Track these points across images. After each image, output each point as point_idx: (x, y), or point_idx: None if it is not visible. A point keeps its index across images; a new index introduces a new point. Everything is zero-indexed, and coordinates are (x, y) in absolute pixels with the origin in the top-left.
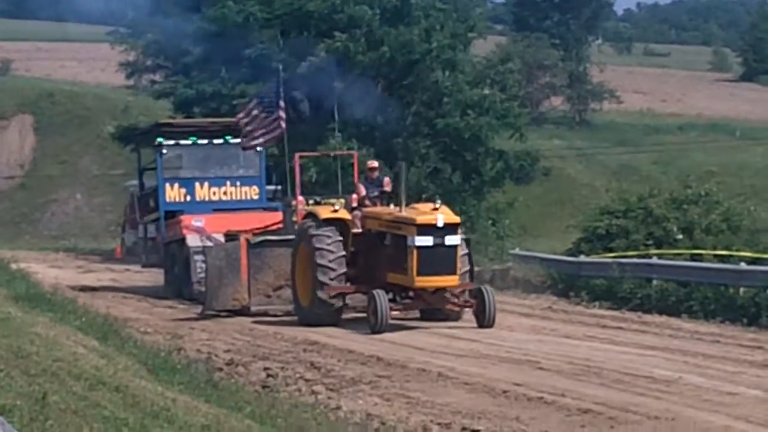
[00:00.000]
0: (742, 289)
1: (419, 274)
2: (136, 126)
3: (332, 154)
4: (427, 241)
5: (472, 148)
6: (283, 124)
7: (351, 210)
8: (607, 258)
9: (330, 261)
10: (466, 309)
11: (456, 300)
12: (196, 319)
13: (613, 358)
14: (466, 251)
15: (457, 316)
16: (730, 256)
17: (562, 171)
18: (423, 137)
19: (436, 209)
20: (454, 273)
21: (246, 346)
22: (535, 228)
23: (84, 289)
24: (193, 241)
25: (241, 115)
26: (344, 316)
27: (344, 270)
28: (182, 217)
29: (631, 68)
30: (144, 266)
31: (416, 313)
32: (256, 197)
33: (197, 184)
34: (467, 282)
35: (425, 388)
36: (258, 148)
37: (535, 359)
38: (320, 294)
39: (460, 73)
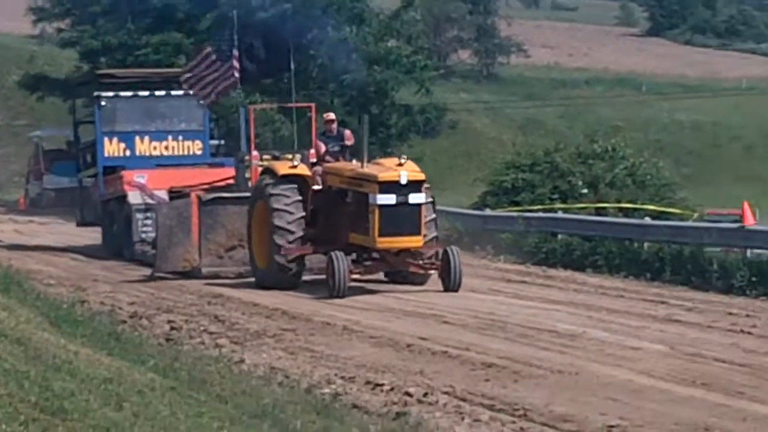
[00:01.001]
0: (646, 244)
1: (381, 234)
2: (44, 75)
3: (290, 105)
4: (389, 199)
5: (378, 102)
6: (237, 74)
7: (311, 166)
8: (512, 212)
9: (288, 223)
10: (432, 272)
11: (420, 262)
12: (100, 272)
13: (518, 312)
14: (433, 214)
15: (422, 280)
16: (635, 210)
17: (469, 124)
18: (330, 91)
19: (401, 165)
20: (418, 233)
21: (150, 298)
22: (442, 182)
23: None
24: (134, 198)
25: (189, 67)
26: (304, 278)
27: (302, 233)
28: (123, 173)
29: (539, 22)
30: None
31: (381, 276)
32: (199, 152)
33: (137, 138)
34: (433, 243)
35: (330, 342)
36: (202, 101)
37: (441, 313)
38: (278, 258)
39: (366, 26)
